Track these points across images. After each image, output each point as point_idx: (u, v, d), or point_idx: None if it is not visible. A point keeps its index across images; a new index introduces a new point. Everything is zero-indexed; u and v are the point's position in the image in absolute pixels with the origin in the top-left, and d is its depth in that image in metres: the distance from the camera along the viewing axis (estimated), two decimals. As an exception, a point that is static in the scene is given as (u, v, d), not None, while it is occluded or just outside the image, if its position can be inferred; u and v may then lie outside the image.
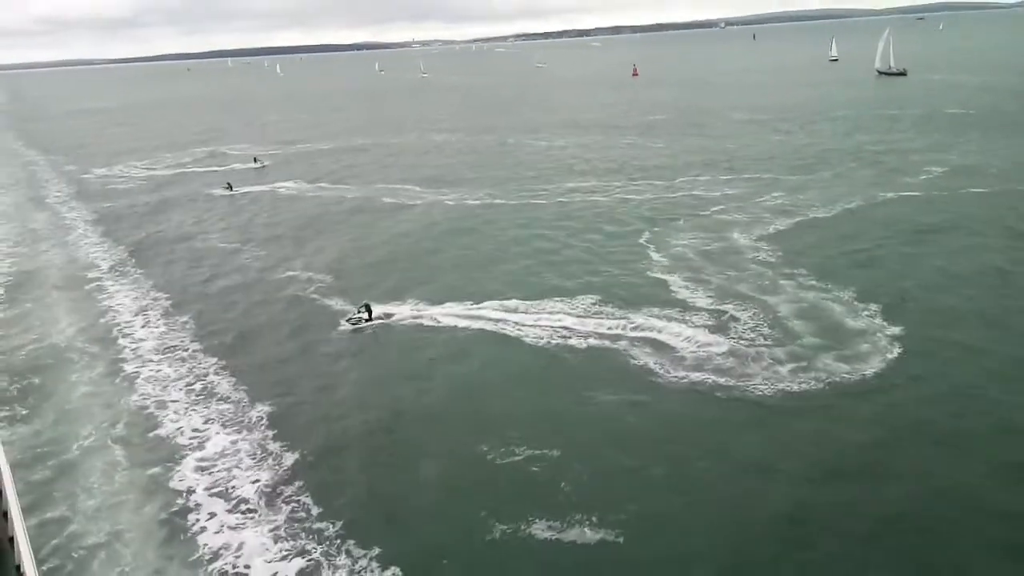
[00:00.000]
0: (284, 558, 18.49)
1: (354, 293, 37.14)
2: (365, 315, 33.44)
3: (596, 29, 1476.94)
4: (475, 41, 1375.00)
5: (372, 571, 17.82)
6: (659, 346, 28.96)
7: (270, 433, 24.56)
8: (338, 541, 18.91)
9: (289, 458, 22.96)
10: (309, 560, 18.33)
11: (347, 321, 33.58)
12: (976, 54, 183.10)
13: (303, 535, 19.29)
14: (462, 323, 32.83)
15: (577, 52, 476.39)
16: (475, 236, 47.53)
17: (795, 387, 25.30)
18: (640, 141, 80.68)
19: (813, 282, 34.86)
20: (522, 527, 18.96)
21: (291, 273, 41.81)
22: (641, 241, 43.27)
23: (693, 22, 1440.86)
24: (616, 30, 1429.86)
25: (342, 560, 18.24)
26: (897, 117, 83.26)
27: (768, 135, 78.06)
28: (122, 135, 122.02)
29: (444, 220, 52.17)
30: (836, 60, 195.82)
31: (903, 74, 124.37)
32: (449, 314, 33.90)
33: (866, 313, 30.93)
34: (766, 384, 25.50)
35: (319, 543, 18.90)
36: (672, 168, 64.19)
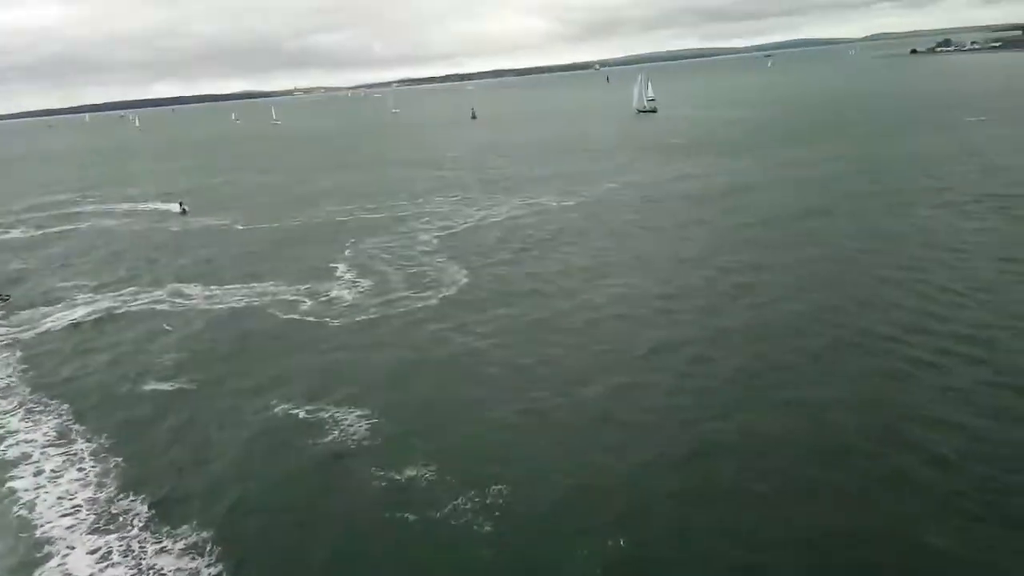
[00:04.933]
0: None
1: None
2: None
3: (479, 73, 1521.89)
4: (358, 87, 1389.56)
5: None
6: (294, 303, 43.10)
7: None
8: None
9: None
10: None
11: None
12: (739, 91, 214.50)
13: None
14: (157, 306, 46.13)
15: (445, 97, 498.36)
16: (213, 248, 60.97)
17: (371, 315, 39.82)
18: (415, 174, 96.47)
19: (440, 260, 50.18)
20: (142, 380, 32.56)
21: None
22: (346, 243, 57.68)
23: (573, 64, 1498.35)
24: (498, 74, 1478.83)
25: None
26: (625, 146, 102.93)
27: (516, 166, 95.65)
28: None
29: (200, 234, 65.31)
30: (653, 100, 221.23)
31: (654, 111, 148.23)
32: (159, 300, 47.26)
33: (456, 275, 46.19)
34: (353, 314, 40.03)
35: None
36: (415, 192, 79.98)
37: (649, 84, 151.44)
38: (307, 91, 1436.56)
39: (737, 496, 20.91)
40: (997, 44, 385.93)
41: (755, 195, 63.38)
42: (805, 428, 24.06)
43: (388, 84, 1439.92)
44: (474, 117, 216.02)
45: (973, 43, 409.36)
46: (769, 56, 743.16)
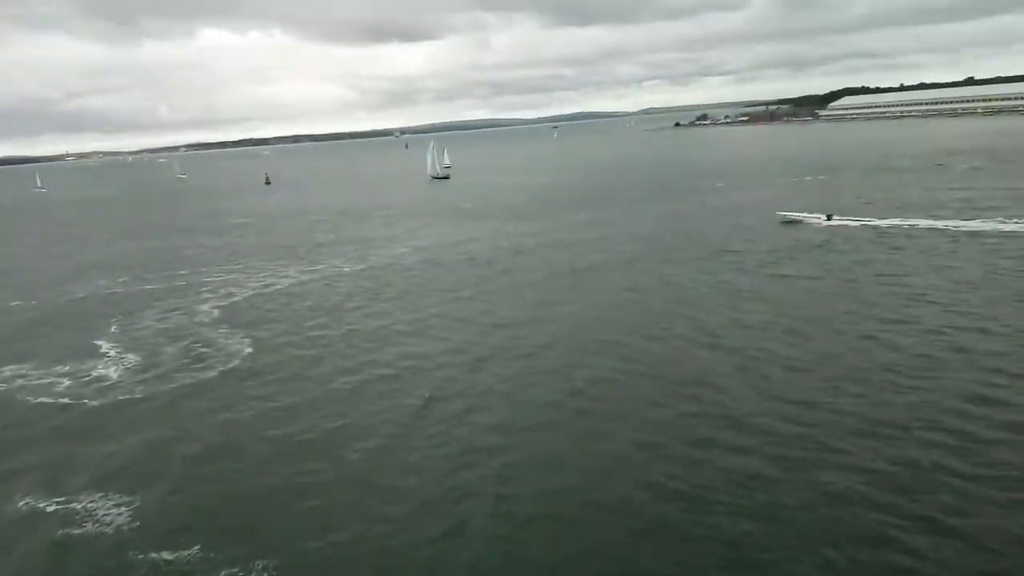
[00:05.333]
0: None
1: None
2: None
3: (275, 138, 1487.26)
4: (141, 152, 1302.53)
5: None
6: (48, 386, 39.80)
7: None
8: None
9: None
10: None
11: None
12: (527, 159, 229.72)
13: None
14: None
15: (238, 162, 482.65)
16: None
17: (135, 395, 37.63)
18: (197, 242, 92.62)
19: (220, 331, 48.59)
20: None
21: None
22: (115, 318, 54.09)
23: (372, 131, 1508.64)
24: (295, 139, 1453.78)
25: None
26: (417, 211, 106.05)
27: (307, 232, 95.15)
28: None
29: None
30: (448, 167, 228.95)
31: (447, 178, 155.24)
32: None
33: (235, 346, 45.00)
34: (116, 393, 37.64)
35: None
36: (196, 261, 76.90)
37: (445, 151, 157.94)
38: (81, 156, 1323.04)
39: (488, 535, 22.56)
40: (744, 119, 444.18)
41: (533, 256, 67.98)
42: (551, 468, 26.44)
43: (176, 148, 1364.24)
44: (268, 183, 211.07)
45: (726, 117, 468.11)
46: (556, 127, 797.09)
